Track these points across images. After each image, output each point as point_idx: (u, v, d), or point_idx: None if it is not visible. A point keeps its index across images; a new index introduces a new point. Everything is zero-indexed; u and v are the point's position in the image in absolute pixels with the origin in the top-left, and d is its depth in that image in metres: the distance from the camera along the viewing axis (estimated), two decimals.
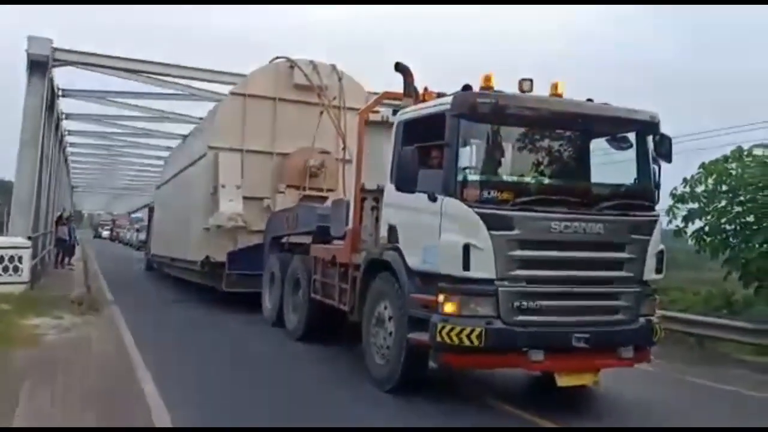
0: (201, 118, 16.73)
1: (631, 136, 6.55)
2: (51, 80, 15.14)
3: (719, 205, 10.69)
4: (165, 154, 24.86)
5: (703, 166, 10.80)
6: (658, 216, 6.50)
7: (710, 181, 10.67)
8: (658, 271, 6.33)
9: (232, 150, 11.97)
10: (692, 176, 10.84)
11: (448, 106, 5.95)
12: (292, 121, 11.96)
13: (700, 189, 10.76)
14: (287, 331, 9.41)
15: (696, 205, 10.77)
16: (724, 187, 10.61)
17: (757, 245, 10.11)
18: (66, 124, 23.86)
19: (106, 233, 60.53)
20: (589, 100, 6.48)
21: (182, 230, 13.90)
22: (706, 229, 10.80)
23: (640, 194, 6.43)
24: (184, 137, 18.01)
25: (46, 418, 5.30)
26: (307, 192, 11.55)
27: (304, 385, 6.93)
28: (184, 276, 14.55)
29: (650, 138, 6.43)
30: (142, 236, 33.65)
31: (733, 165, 10.64)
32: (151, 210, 23.91)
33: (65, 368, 7.03)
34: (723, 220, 10.69)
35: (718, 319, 10.23)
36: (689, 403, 7.04)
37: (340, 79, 12.17)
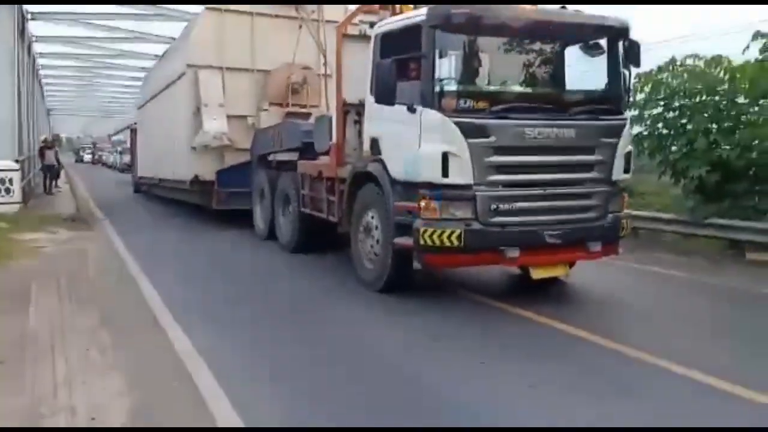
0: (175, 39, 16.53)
1: (603, 43, 6.77)
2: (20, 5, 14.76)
3: (654, 112, 11.51)
4: (142, 74, 24.50)
5: (638, 75, 11.35)
6: (626, 119, 6.83)
7: (646, 89, 11.45)
8: (626, 171, 6.75)
9: (212, 68, 11.88)
10: (632, 85, 11.43)
11: (424, 18, 6.10)
12: (271, 36, 11.80)
13: (639, 97, 11.49)
14: (280, 244, 9.87)
15: (636, 112, 11.48)
16: (661, 95, 11.42)
17: (681, 145, 11.09)
18: (37, 47, 23.27)
19: (88, 157, 59.93)
20: (563, 7, 6.63)
21: (168, 151, 14.03)
22: (644, 133, 11.58)
23: (610, 99, 6.73)
24: (161, 56, 17.69)
25: (56, 313, 5.98)
26: (291, 109, 11.61)
27: (301, 288, 7.45)
28: (173, 196, 14.83)
29: (620, 44, 6.66)
30: (126, 159, 33.52)
31: (666, 75, 11.39)
32: (133, 131, 23.74)
33: (67, 272, 7.66)
34: (659, 125, 11.52)
35: (651, 213, 11.86)
36: (622, 282, 7.99)
37: None
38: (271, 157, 10.96)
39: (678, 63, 11.39)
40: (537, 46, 6.65)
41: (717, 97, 11.03)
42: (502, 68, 6.56)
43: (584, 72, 7.21)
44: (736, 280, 8.25)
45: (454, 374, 4.58)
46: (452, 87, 6.07)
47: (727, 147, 10.43)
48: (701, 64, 11.13)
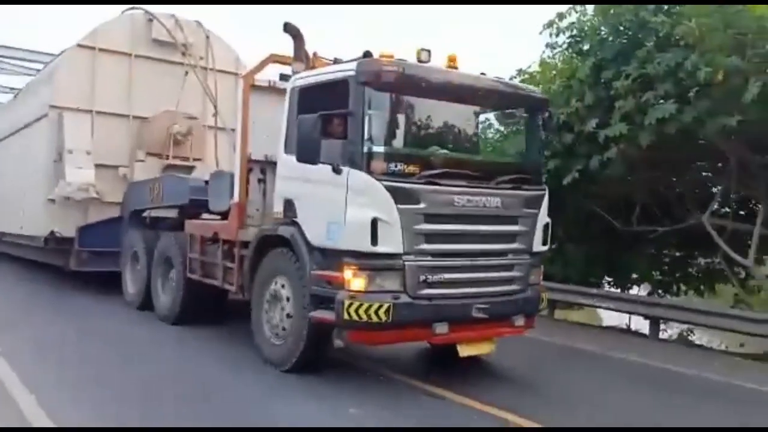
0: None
1: (519, 113, 6.73)
2: None
3: None
4: None
5: None
6: (545, 190, 6.72)
7: None
8: (545, 242, 6.60)
9: (80, 110, 10.53)
10: None
11: (353, 73, 5.63)
12: (153, 81, 10.70)
13: None
14: (158, 315, 8.54)
15: None
16: None
17: None
18: None
19: None
20: (482, 74, 6.50)
21: (18, 201, 12.06)
22: None
23: (531, 169, 6.63)
24: (15, 94, 15.63)
25: None
26: (171, 161, 10.54)
27: (192, 373, 6.31)
28: (20, 253, 12.68)
29: (540, 116, 6.63)
30: None
31: None
32: None
33: None
34: None
35: None
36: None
37: (207, 38, 11.04)
38: (146, 214, 9.79)
39: None
40: (463, 110, 6.40)
41: None
42: (429, 131, 6.19)
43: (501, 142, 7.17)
44: None
45: None
46: (382, 149, 5.59)
47: None
48: None
